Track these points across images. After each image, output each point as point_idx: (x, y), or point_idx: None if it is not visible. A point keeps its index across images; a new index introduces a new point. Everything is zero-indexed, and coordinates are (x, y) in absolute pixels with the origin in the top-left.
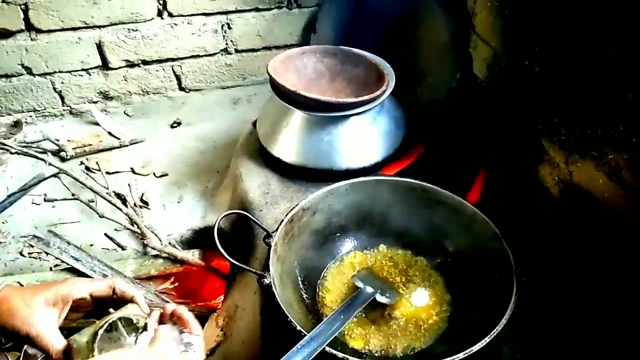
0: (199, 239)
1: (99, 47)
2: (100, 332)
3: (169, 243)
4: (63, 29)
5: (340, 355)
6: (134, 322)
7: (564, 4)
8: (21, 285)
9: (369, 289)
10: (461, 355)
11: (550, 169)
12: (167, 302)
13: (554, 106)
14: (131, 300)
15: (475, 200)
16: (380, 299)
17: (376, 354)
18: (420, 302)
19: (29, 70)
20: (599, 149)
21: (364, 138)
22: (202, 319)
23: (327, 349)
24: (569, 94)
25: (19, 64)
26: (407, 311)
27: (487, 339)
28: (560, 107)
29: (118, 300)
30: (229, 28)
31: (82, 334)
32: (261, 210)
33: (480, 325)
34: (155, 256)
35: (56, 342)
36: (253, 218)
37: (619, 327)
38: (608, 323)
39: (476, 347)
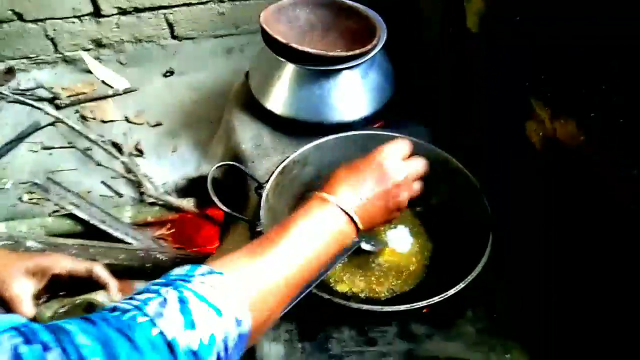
0: (194, 187)
1: None
2: (61, 310)
3: (165, 191)
4: None
5: (326, 296)
6: (97, 309)
7: None
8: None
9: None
10: (435, 299)
11: (536, 125)
12: (163, 247)
13: (542, 64)
14: (104, 287)
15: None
16: (365, 246)
17: (360, 296)
18: (402, 249)
19: (19, 16)
20: (580, 107)
21: (355, 92)
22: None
23: (314, 291)
24: (556, 53)
25: (9, 10)
26: (390, 258)
27: (459, 286)
28: (548, 66)
29: (93, 284)
30: None
31: (48, 307)
32: (253, 162)
33: (459, 271)
34: (152, 203)
35: (26, 309)
36: (245, 170)
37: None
38: (582, 288)
39: (449, 293)
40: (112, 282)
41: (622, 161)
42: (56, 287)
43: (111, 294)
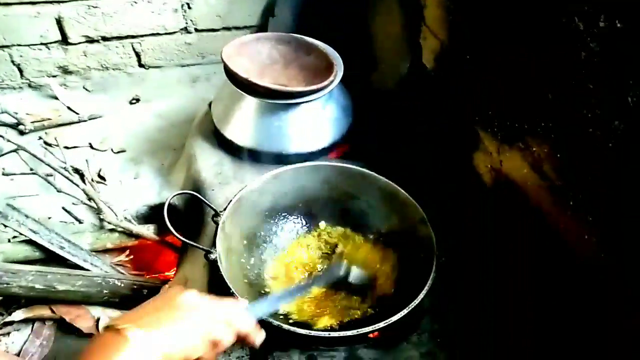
0: (154, 214)
1: (59, 22)
2: None
3: (125, 218)
4: (21, 3)
5: (275, 322)
6: None
7: (497, 5)
8: None
9: (342, 269)
10: (380, 324)
11: (484, 157)
12: (122, 274)
13: (489, 99)
14: None
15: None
16: (354, 280)
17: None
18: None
19: None
20: (524, 141)
21: (313, 124)
22: (155, 290)
23: (264, 318)
24: (501, 88)
25: None
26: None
27: (404, 311)
28: (494, 100)
29: None
30: (189, 8)
31: None
32: (213, 190)
33: (406, 297)
34: (112, 230)
35: None
36: (202, 198)
37: (532, 303)
38: (521, 300)
39: (393, 319)
40: None
41: (564, 194)
42: None
43: None
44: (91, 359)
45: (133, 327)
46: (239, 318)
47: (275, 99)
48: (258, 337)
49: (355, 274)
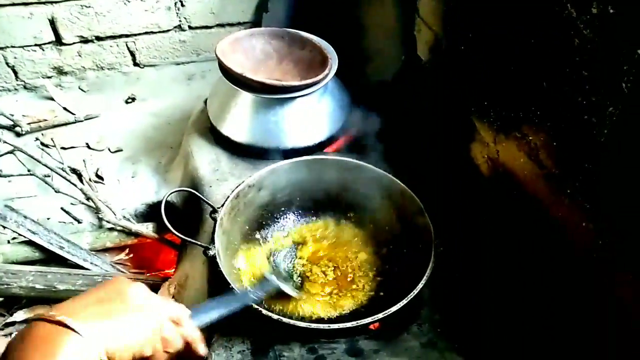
0: (153, 212)
1: (52, 22)
2: None
3: (124, 217)
4: (14, 4)
5: (275, 316)
6: None
7: None
8: None
9: (274, 281)
10: (380, 315)
11: (481, 148)
12: (122, 272)
13: (484, 89)
14: None
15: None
16: (288, 291)
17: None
18: (353, 266)
19: None
20: (520, 130)
21: (309, 118)
22: (156, 287)
23: (264, 312)
24: (496, 78)
25: None
26: (339, 277)
27: (404, 302)
28: (489, 90)
29: None
30: (182, 5)
31: None
32: (211, 186)
33: (404, 288)
34: (111, 229)
35: None
36: (199, 195)
37: (527, 293)
38: (519, 288)
39: (393, 309)
40: None
41: (561, 183)
42: None
43: None
44: (23, 355)
45: (72, 318)
46: (186, 322)
47: (271, 94)
48: (202, 347)
49: (287, 286)
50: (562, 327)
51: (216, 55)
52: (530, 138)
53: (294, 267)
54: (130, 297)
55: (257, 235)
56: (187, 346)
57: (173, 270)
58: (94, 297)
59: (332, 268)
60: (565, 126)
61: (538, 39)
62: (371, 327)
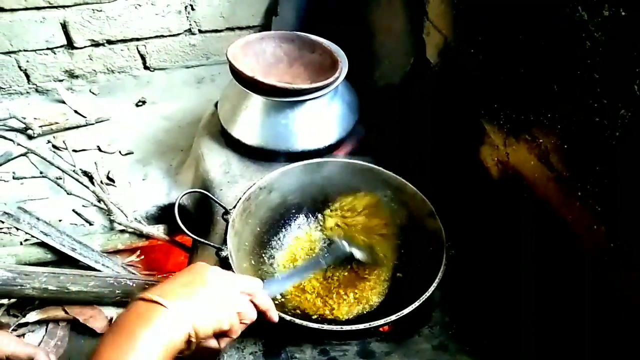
0: (164, 214)
1: (64, 26)
2: None
3: (135, 219)
4: (27, 8)
5: (288, 317)
6: None
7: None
8: None
9: (346, 245)
10: (392, 317)
11: (491, 151)
12: (133, 274)
13: (494, 92)
14: None
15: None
16: (357, 254)
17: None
18: (364, 269)
19: None
20: (530, 133)
21: (319, 121)
22: None
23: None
24: (506, 81)
25: None
26: (350, 280)
27: (416, 304)
28: (499, 93)
29: None
30: (192, 9)
31: None
32: (221, 189)
33: (416, 291)
34: (122, 231)
35: None
36: (212, 196)
37: (539, 295)
38: (530, 292)
39: (405, 311)
40: None
41: (572, 185)
42: None
43: None
44: (127, 325)
45: (165, 298)
46: (259, 293)
47: (281, 97)
48: (275, 314)
49: (358, 251)
50: (572, 329)
51: (227, 59)
52: (540, 141)
53: None
54: (209, 279)
55: (269, 237)
56: (264, 313)
57: None
58: (179, 281)
59: (345, 270)
60: (577, 129)
61: (549, 42)
62: (382, 329)
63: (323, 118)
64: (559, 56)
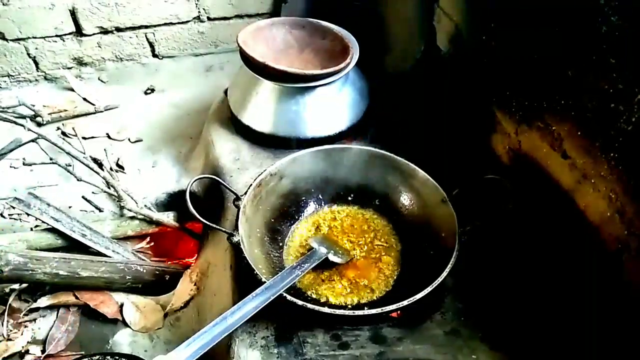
0: (173, 201)
1: (73, 13)
2: None
3: (145, 205)
4: None
5: (300, 302)
6: None
7: None
8: None
9: (323, 249)
10: (404, 302)
11: (502, 138)
12: (144, 260)
13: (507, 79)
14: None
15: None
16: (333, 258)
17: (334, 303)
18: (374, 255)
19: (1, 35)
20: (543, 120)
21: (330, 108)
22: (177, 276)
23: (289, 297)
24: (519, 68)
25: None
26: (360, 265)
27: (428, 289)
28: (512, 81)
29: None
30: None
31: None
32: (231, 176)
33: (427, 277)
34: (132, 217)
35: None
36: (223, 182)
37: (551, 281)
38: (542, 278)
39: (418, 296)
40: None
41: (585, 172)
42: None
43: None
44: None
45: None
46: None
47: (292, 83)
48: None
49: (335, 253)
50: (585, 316)
51: (238, 44)
52: (553, 128)
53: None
54: None
55: (280, 223)
56: None
57: (194, 258)
58: None
59: (357, 255)
60: (591, 115)
61: (563, 27)
62: (393, 315)
63: (334, 105)
64: (573, 42)
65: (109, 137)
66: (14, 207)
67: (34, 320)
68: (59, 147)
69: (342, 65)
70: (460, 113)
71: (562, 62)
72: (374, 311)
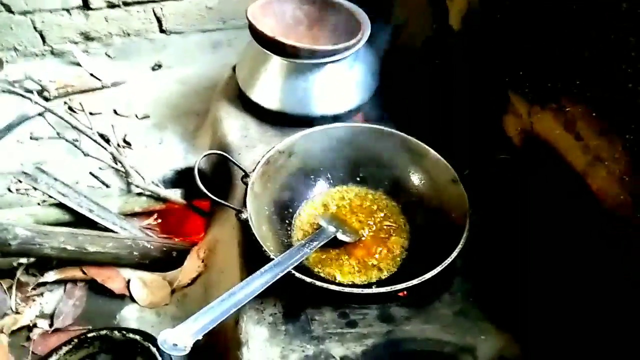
0: (181, 178)
1: None
2: None
3: (152, 182)
4: None
5: (308, 280)
6: None
7: None
8: None
9: (332, 228)
10: (414, 281)
11: (514, 120)
12: (151, 236)
13: (521, 59)
14: None
15: None
16: (342, 237)
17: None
18: (383, 235)
19: (7, 8)
20: (557, 101)
21: (339, 85)
22: (184, 253)
23: (297, 275)
24: (534, 48)
25: None
26: (369, 245)
27: (438, 269)
28: (526, 61)
29: None
30: None
31: None
32: (239, 153)
33: (436, 257)
34: (139, 194)
35: None
36: (231, 158)
37: (564, 264)
38: (552, 260)
39: (427, 275)
40: None
41: (598, 154)
42: None
43: None
44: None
45: None
46: None
47: (302, 59)
48: None
49: (344, 231)
50: (595, 297)
51: (247, 18)
52: (567, 109)
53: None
54: None
55: (288, 200)
56: None
57: (201, 235)
58: None
59: (365, 235)
60: (608, 96)
61: (580, 5)
62: (401, 294)
63: (344, 82)
64: (591, 20)
65: (115, 113)
66: (21, 182)
67: (42, 294)
68: (65, 121)
69: (353, 42)
70: (471, 93)
71: (578, 42)
72: (383, 289)
